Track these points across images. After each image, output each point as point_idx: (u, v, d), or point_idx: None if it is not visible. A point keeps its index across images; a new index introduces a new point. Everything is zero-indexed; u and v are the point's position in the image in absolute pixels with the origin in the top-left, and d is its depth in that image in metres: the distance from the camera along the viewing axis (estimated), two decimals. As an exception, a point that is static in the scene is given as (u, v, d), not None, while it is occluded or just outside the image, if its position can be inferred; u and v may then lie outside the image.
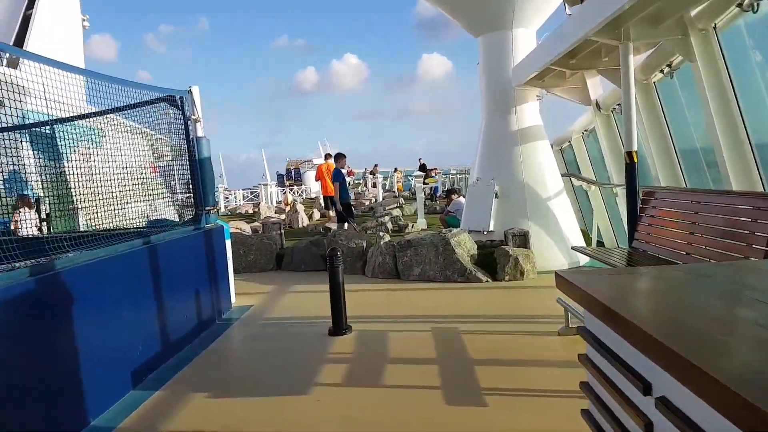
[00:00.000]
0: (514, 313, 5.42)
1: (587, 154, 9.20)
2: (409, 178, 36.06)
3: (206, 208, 6.14)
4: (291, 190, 37.45)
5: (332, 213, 13.50)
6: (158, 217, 5.91)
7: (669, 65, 5.74)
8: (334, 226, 12.04)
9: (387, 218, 12.36)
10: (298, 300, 6.80)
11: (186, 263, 5.23)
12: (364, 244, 8.28)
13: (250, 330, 5.49)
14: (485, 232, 7.84)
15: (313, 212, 17.96)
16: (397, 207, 19.16)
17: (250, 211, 22.31)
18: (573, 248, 4.99)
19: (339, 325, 4.93)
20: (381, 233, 7.90)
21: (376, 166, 27.38)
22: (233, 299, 6.57)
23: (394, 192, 29.24)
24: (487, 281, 6.94)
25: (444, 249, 7.17)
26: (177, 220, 6.06)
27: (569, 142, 9.76)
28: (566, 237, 7.84)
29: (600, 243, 8.90)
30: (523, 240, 7.37)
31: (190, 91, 6.42)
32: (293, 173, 43.06)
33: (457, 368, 3.87)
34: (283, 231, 10.21)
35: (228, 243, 6.64)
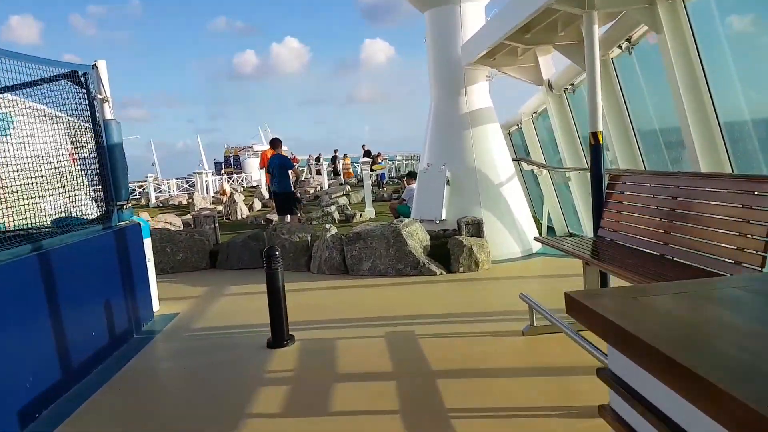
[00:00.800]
0: (472, 309, 4.99)
1: (537, 137, 8.92)
2: (355, 165, 35.46)
3: (118, 204, 5.32)
4: (230, 178, 35.92)
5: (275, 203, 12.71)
6: (66, 215, 5.06)
7: (628, 40, 5.42)
8: (275, 217, 11.29)
9: (333, 207, 11.74)
10: (234, 304, 6.10)
11: (91, 270, 4.43)
12: (309, 238, 7.65)
13: (174, 345, 4.77)
14: (437, 221, 7.39)
15: (253, 202, 17.04)
16: (343, 195, 18.54)
17: (184, 203, 21.03)
18: (536, 239, 4.60)
19: (279, 335, 4.32)
20: (327, 225, 7.30)
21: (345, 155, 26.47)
22: (156, 307, 5.80)
23: (339, 179, 28.55)
24: (441, 273, 6.50)
25: (395, 241, 6.66)
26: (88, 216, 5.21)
27: (518, 125, 9.46)
28: (519, 224, 7.52)
29: (550, 229, 8.68)
30: (476, 229, 6.97)
31: (95, 66, 5.54)
32: (232, 161, 41.35)
33: (416, 384, 3.37)
34: (217, 225, 9.39)
35: (148, 242, 5.84)
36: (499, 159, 7.63)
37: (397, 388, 3.33)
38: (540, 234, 7.86)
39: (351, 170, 31.53)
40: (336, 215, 11.45)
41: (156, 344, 4.77)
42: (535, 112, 8.87)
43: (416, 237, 6.79)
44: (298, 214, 9.51)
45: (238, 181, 37.06)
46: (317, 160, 31.20)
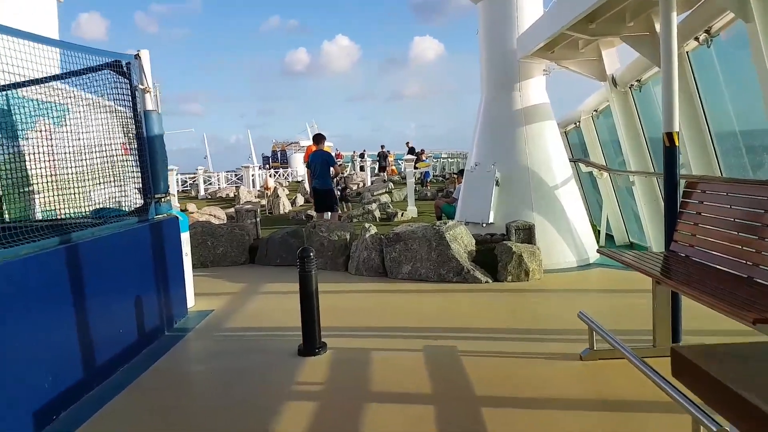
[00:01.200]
0: (522, 325, 4.57)
1: (597, 137, 8.33)
2: (399, 162, 35.11)
3: (156, 196, 5.19)
4: (276, 173, 36.32)
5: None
6: (113, 206, 5.00)
7: (707, 31, 4.84)
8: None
9: (374, 205, 11.46)
10: (269, 303, 5.90)
11: (123, 264, 4.29)
12: (348, 237, 7.38)
13: (204, 345, 4.59)
14: (484, 225, 6.97)
15: (296, 197, 17.01)
16: (386, 192, 18.25)
17: (231, 195, 21.28)
18: (599, 251, 4.13)
19: (311, 342, 4.05)
20: (366, 225, 7.01)
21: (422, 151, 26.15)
22: (191, 302, 5.66)
23: (382, 176, 28.28)
24: (486, 282, 6.09)
25: (438, 244, 6.29)
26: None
27: (576, 123, 8.88)
28: (575, 231, 7.00)
29: (609, 238, 8.09)
30: (527, 234, 6.51)
31: (137, 56, 5.44)
32: (279, 155, 41.83)
33: (458, 411, 3.01)
34: (258, 219, 9.27)
35: (185, 236, 5.71)
36: (554, 159, 7.13)
37: (437, 414, 2.99)
38: (598, 243, 7.31)
39: (395, 167, 31.26)
40: (377, 213, 11.18)
41: (186, 343, 4.60)
42: (595, 110, 8.29)
43: (461, 241, 6.40)
44: (339, 212, 9.25)
45: (283, 175, 37.45)
46: (361, 156, 31.04)
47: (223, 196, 22.42)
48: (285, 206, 14.09)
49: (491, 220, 6.92)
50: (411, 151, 26.54)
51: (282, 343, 4.33)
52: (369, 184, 22.59)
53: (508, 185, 6.99)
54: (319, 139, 9.99)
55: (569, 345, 3.87)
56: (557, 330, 4.29)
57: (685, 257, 3.65)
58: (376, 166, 27.33)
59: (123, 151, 5.61)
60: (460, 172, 9.45)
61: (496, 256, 6.25)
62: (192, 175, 28.61)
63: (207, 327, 5.05)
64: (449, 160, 30.36)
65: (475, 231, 6.83)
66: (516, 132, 7.07)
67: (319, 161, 9.17)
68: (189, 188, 28.48)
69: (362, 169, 26.23)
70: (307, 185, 15.09)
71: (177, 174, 34.33)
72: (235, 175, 32.78)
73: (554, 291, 5.71)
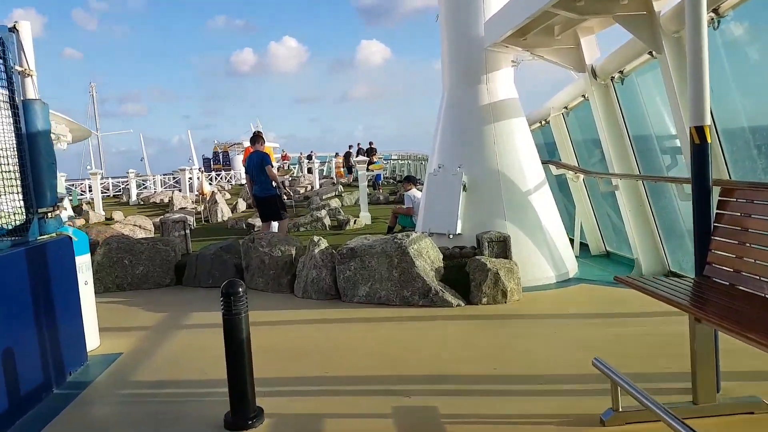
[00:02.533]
0: (514, 369, 3.66)
1: (569, 136, 7.64)
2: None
3: (40, 211, 3.97)
4: (217, 175, 34.44)
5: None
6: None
7: (716, 10, 4.14)
8: (259, 221, 9.94)
9: (324, 212, 10.40)
10: (193, 342, 4.76)
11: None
12: (293, 252, 6.32)
13: (102, 411, 3.44)
14: (451, 236, 6.09)
15: (237, 203, 15.68)
16: (335, 196, 17.19)
17: (166, 201, 19.59)
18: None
19: (242, 411, 3.00)
20: (315, 238, 5.98)
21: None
22: (94, 343, 4.50)
23: (332, 178, 27.19)
24: (458, 305, 5.20)
25: (400, 260, 5.34)
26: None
27: (542, 121, 8.18)
28: (551, 242, 6.24)
29: (583, 246, 7.41)
30: (502, 247, 5.67)
31: (14, 29, 4.20)
32: (221, 157, 39.80)
33: None
34: (188, 231, 8.02)
35: (84, 259, 4.51)
36: (527, 161, 6.35)
37: None
38: (574, 251, 6.57)
39: (342, 170, 30.22)
40: (327, 221, 10.13)
41: (78, 408, 3.44)
42: (565, 107, 7.59)
43: (426, 256, 5.48)
44: (287, 221, 8.09)
45: (226, 178, 35.60)
46: (309, 158, 29.82)
47: (158, 201, 20.66)
48: (224, 213, 12.80)
49: (459, 230, 6.05)
50: (360, 152, 25.59)
51: (205, 408, 3.26)
52: (317, 187, 21.45)
53: (476, 190, 6.14)
54: (256, 138, 8.83)
55: (580, 400, 3.01)
56: (559, 377, 3.43)
57: (729, 285, 2.86)
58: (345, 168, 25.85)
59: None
60: (408, 179, 8.52)
61: (468, 273, 5.37)
62: (124, 179, 26.51)
63: (110, 380, 3.89)
64: (399, 161, 29.60)
65: (441, 243, 5.94)
66: (483, 130, 6.24)
67: (256, 164, 7.95)
68: (121, 193, 26.39)
69: (310, 171, 25.02)
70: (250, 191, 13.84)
71: (103, 179, 31.90)
72: (173, 179, 30.74)
73: (539, 317, 4.88)
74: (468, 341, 4.32)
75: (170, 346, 4.60)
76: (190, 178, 22.37)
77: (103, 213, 14.83)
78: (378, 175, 13.60)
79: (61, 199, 6.74)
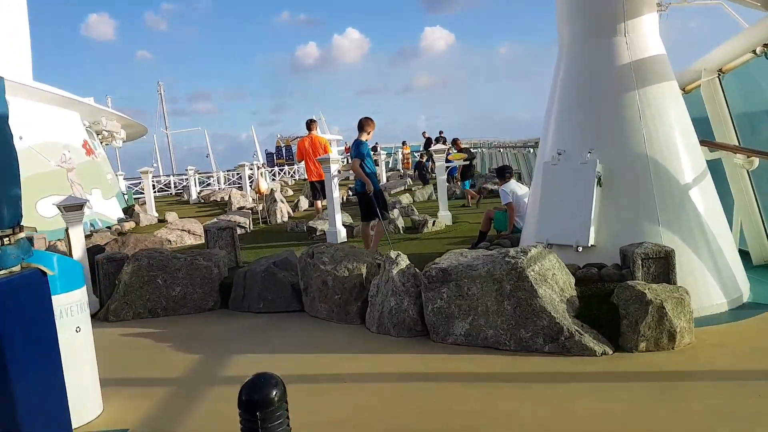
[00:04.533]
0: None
1: (726, 107, 5.80)
2: (415, 154, 32.55)
3: None
4: (281, 170, 34.00)
5: (320, 204, 10.15)
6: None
7: None
8: (321, 225, 8.72)
9: (396, 211, 9.03)
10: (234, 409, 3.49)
11: None
12: (364, 271, 4.98)
13: None
14: (579, 249, 4.52)
15: (299, 200, 14.63)
16: (405, 191, 15.81)
17: (227, 198, 18.96)
18: None
19: None
20: (393, 253, 4.59)
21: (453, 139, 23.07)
22: (93, 411, 3.33)
23: (399, 171, 25.83)
24: (604, 353, 3.66)
25: (515, 288, 3.86)
26: None
27: (685, 88, 6.33)
28: (718, 253, 4.53)
29: (742, 253, 5.58)
30: (662, 266, 4.05)
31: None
32: (284, 151, 39.40)
33: None
34: (237, 239, 6.88)
35: (74, 297, 3.35)
36: (684, 142, 4.66)
37: None
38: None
39: (410, 161, 28.76)
40: (400, 222, 8.74)
41: None
42: (720, 70, 5.75)
43: (553, 281, 3.96)
44: (382, 224, 6.73)
45: (289, 173, 35.14)
46: (373, 149, 28.62)
47: (218, 199, 20.11)
48: (283, 213, 11.74)
49: (592, 241, 4.46)
50: (428, 142, 24.00)
51: None
52: (384, 180, 20.17)
53: (616, 185, 4.53)
54: (310, 125, 7.55)
55: None
56: None
57: None
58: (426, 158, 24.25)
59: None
60: (503, 170, 6.87)
61: (616, 306, 3.80)
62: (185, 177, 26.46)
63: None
64: (471, 149, 27.71)
65: (566, 260, 4.38)
66: (624, 100, 4.61)
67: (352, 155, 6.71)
68: (182, 191, 26.33)
69: (376, 163, 23.80)
70: (308, 187, 12.68)
71: (165, 176, 32.19)
72: (236, 174, 30.50)
73: (733, 375, 3.23)
74: (634, 421, 2.77)
75: (202, 411, 3.35)
76: (251, 175, 21.74)
77: (155, 214, 14.24)
78: (453, 168, 12.10)
79: (18, 224, 5.78)
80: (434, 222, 8.51)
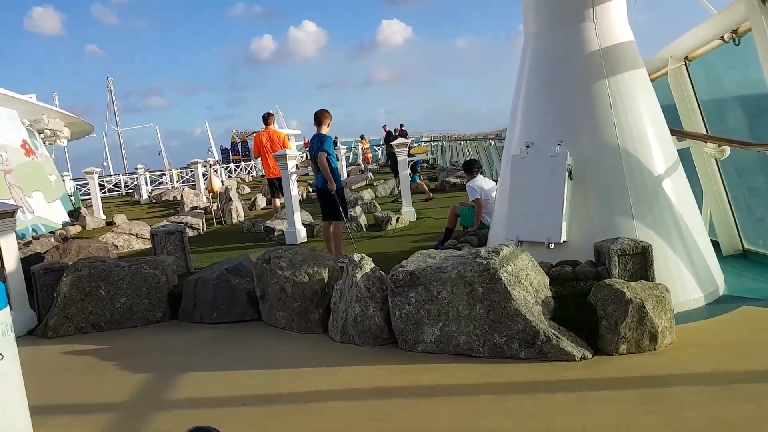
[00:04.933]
0: None
1: (694, 95, 5.70)
2: (376, 149, 32.23)
3: None
4: (236, 166, 33.06)
5: (279, 202, 9.70)
6: None
7: None
8: (279, 224, 8.30)
9: (358, 208, 8.69)
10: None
11: None
12: (326, 275, 4.63)
13: None
14: (551, 246, 4.30)
15: (256, 198, 14.10)
16: (367, 186, 15.47)
17: (180, 198, 18.17)
18: None
19: None
20: (356, 257, 4.26)
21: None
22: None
23: (359, 165, 25.47)
24: (583, 357, 3.45)
25: (488, 290, 3.60)
26: None
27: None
28: (692, 246, 4.40)
29: (712, 243, 5.50)
30: (639, 262, 3.87)
31: None
32: (240, 147, 38.38)
33: None
34: (187, 244, 6.40)
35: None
36: (655, 130, 4.50)
37: None
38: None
39: (370, 155, 28.43)
40: (363, 220, 8.41)
41: None
42: (686, 58, 5.65)
43: (527, 282, 3.72)
44: (342, 224, 6.29)
45: (246, 169, 34.23)
46: (334, 144, 28.18)
47: (170, 199, 19.28)
48: (239, 213, 11.22)
49: (564, 237, 4.24)
50: (389, 135, 23.70)
51: None
52: (344, 175, 19.76)
53: (587, 178, 4.33)
54: (267, 119, 7.10)
55: None
56: None
57: None
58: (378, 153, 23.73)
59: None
60: (470, 165, 6.52)
61: (594, 307, 3.59)
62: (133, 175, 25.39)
63: None
64: (432, 143, 27.63)
65: (538, 258, 4.15)
66: (594, 89, 4.41)
67: (314, 150, 6.24)
68: (132, 191, 25.23)
69: (336, 158, 23.39)
70: (266, 184, 12.11)
71: (115, 175, 30.83)
72: (190, 172, 29.45)
73: (721, 379, 3.05)
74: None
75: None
76: (205, 173, 20.94)
77: (103, 217, 13.45)
78: (417, 162, 11.83)
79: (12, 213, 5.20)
80: (398, 219, 8.22)
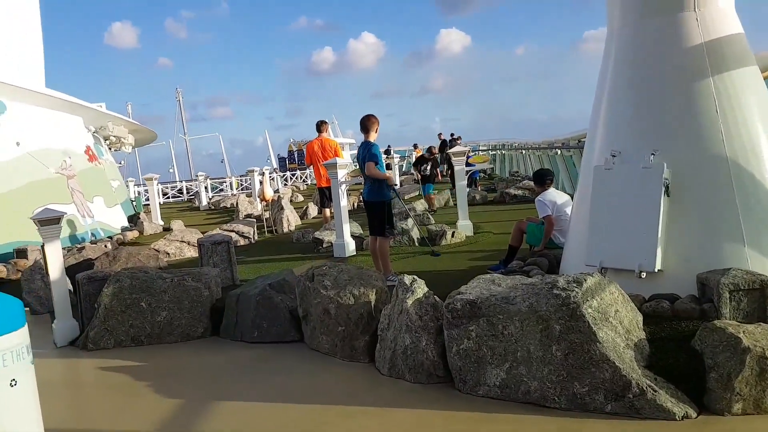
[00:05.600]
0: None
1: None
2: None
3: None
4: (292, 175, 33.31)
5: (329, 212, 9.32)
6: None
7: None
8: (328, 236, 7.89)
9: (410, 221, 8.15)
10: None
11: None
12: (373, 297, 4.13)
13: None
14: (642, 276, 3.61)
15: (308, 207, 13.84)
16: (420, 196, 14.89)
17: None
18: None
19: None
20: (407, 279, 3.73)
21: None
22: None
23: (413, 174, 24.94)
24: (685, 416, 2.76)
25: (567, 328, 2.99)
26: None
27: None
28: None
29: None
30: (757, 301, 3.13)
31: None
32: (296, 155, 38.77)
33: None
34: (233, 255, 6.06)
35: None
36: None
37: None
38: None
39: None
40: (415, 233, 7.85)
41: None
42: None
43: (616, 321, 3.07)
44: (388, 242, 5.69)
45: (301, 178, 34.45)
46: (386, 152, 27.76)
47: (228, 206, 19.45)
48: (290, 222, 10.95)
49: (659, 266, 3.55)
50: (443, 144, 23.06)
51: None
52: (398, 185, 19.29)
53: (687, 195, 3.62)
54: (320, 126, 6.71)
55: None
56: None
57: None
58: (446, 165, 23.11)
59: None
60: (541, 175, 5.70)
61: (700, 354, 2.90)
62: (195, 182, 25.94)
63: None
64: (489, 152, 26.70)
65: (627, 289, 3.46)
66: (695, 89, 3.70)
67: (361, 158, 5.66)
68: (194, 197, 25.81)
69: (389, 167, 22.93)
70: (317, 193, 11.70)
71: (176, 182, 31.61)
72: (248, 180, 29.89)
73: None
74: None
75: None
76: (262, 180, 21.03)
77: (161, 222, 13.57)
78: (476, 172, 11.13)
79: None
80: (453, 233, 7.62)
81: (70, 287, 5.64)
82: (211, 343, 4.94)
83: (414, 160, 28.67)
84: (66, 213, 5.45)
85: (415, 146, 29.74)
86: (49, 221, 5.11)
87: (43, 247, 5.19)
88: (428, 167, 13.37)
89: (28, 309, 6.76)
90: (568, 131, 14.13)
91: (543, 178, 5.50)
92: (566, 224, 5.05)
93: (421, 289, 3.71)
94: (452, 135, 23.63)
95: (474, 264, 6.08)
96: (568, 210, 5.14)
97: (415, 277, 3.82)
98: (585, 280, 3.15)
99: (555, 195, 5.34)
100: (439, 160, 17.02)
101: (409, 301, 3.62)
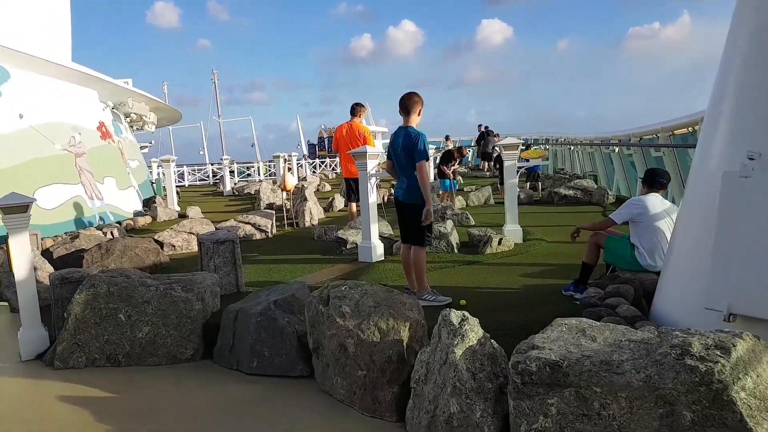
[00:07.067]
0: None
1: None
2: (468, 150, 30.27)
3: None
4: (321, 162, 32.48)
5: (355, 208, 8.34)
6: None
7: None
8: (353, 235, 6.92)
9: (450, 223, 7.10)
10: None
11: None
12: (405, 334, 3.15)
13: None
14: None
15: (334, 198, 12.89)
16: (456, 192, 13.79)
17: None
18: None
19: None
20: (454, 317, 2.75)
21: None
22: None
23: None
24: None
25: (704, 418, 1.96)
26: None
27: None
28: None
29: None
30: None
31: None
32: (326, 142, 37.86)
33: None
34: (239, 257, 5.14)
35: None
36: None
37: None
38: None
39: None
40: (454, 238, 6.81)
41: None
42: None
43: (782, 412, 2.00)
44: (424, 251, 4.50)
45: (331, 165, 33.62)
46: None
47: (252, 192, 18.70)
48: (312, 216, 10.03)
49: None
50: (481, 135, 21.83)
51: None
52: (433, 179, 18.21)
53: None
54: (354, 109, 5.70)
55: None
56: None
57: None
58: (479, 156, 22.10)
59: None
60: (652, 176, 4.32)
61: None
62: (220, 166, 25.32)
63: None
64: (543, 146, 25.18)
65: (757, 330, 2.38)
66: None
67: (402, 147, 4.35)
68: (218, 181, 25.24)
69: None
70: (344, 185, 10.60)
71: (204, 165, 31.15)
72: (274, 166, 29.18)
73: None
74: None
75: None
76: (289, 166, 20.21)
77: (177, 208, 12.83)
78: (534, 168, 9.92)
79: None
80: (500, 240, 6.55)
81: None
82: (200, 369, 4.05)
83: (441, 155, 27.50)
84: (35, 200, 4.60)
85: (447, 138, 28.53)
86: (15, 209, 4.28)
87: (6, 239, 4.37)
88: (455, 163, 12.34)
89: (5, 304, 6.01)
90: (606, 130, 12.84)
91: (654, 179, 4.24)
92: (662, 242, 3.96)
93: (474, 332, 2.71)
94: (487, 128, 22.39)
95: (529, 282, 5.03)
96: (667, 222, 4.03)
97: (466, 314, 2.81)
98: (733, 346, 2.10)
99: (655, 201, 4.15)
100: (468, 156, 15.96)
101: (458, 351, 2.62)
